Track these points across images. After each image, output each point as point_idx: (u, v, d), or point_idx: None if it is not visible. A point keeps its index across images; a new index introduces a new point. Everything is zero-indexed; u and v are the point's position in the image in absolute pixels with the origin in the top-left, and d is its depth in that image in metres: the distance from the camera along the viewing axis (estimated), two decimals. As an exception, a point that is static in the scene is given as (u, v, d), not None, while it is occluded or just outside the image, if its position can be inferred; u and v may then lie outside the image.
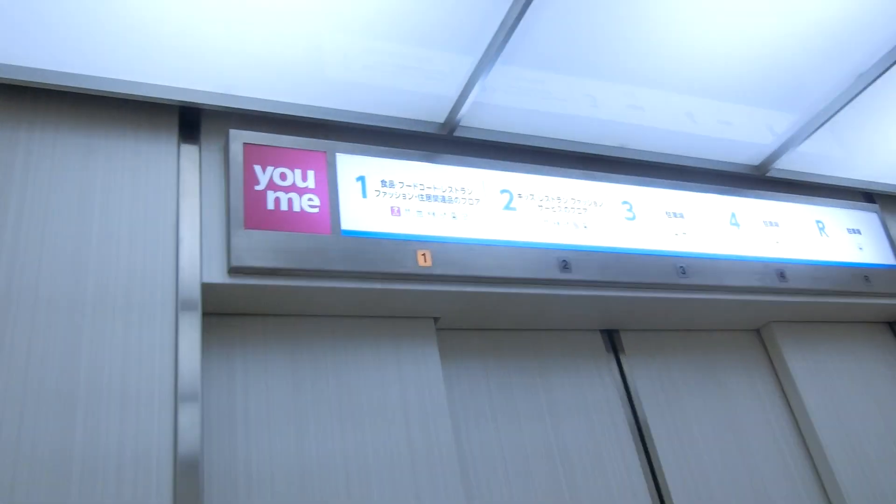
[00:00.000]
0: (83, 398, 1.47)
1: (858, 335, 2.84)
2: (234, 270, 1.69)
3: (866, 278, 2.66)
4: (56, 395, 1.45)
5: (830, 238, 2.69)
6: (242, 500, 1.63)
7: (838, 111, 2.40)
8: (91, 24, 1.63)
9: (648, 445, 2.26)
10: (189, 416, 1.53)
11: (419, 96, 2.05)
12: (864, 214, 2.87)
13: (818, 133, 2.55)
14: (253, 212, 1.75)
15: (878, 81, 2.32)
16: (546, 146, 2.29)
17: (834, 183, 2.87)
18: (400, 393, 1.90)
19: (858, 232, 2.79)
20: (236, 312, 1.82)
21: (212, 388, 1.73)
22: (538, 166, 2.23)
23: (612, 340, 2.44)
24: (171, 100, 1.81)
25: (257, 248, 1.72)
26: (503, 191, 2.12)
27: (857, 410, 2.60)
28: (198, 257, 1.69)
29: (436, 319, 2.07)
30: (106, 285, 1.59)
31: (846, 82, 2.33)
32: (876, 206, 2.94)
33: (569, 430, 2.18)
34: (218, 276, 1.69)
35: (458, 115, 2.06)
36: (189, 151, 1.81)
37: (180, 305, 1.62)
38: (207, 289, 1.69)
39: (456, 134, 2.14)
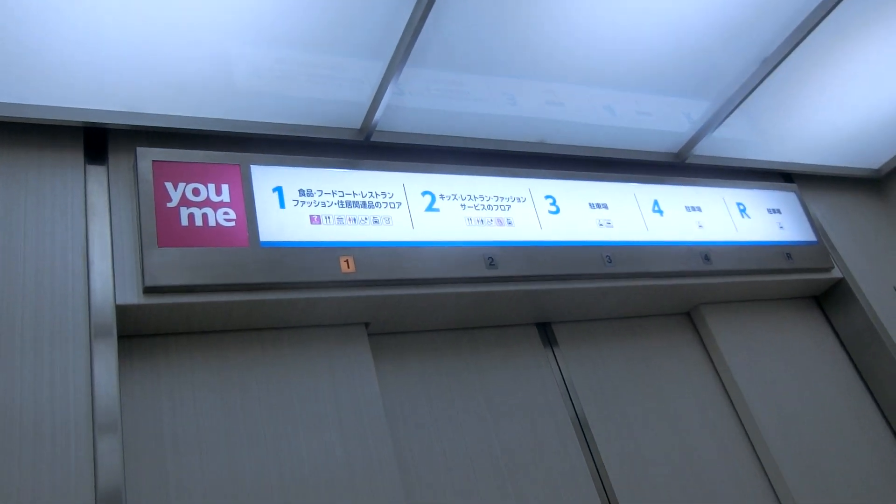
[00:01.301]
0: None
1: (786, 311, 2.92)
2: (148, 290, 1.66)
3: (788, 255, 2.74)
4: (-36, 432, 1.40)
5: (752, 219, 2.77)
6: (174, 527, 1.58)
7: (747, 96, 2.47)
8: (-17, 48, 1.59)
9: (588, 437, 2.28)
10: (109, 446, 1.48)
11: (333, 104, 2.04)
12: (783, 194, 2.95)
13: (733, 118, 2.62)
14: (166, 229, 1.72)
15: (783, 65, 2.39)
16: (466, 146, 2.31)
17: (753, 166, 2.95)
18: (334, 404, 1.88)
19: (779, 211, 2.88)
20: (157, 333, 1.79)
21: (136, 413, 1.68)
22: (459, 166, 2.25)
23: (547, 334, 2.46)
24: (74, 121, 1.77)
25: (172, 265, 1.69)
26: (425, 192, 2.13)
27: (788, 386, 2.67)
28: (110, 279, 1.65)
29: (366, 325, 2.06)
30: (13, 315, 1.55)
31: (752, 67, 2.40)
32: (794, 186, 3.04)
33: (510, 427, 2.18)
34: (132, 296, 1.66)
35: (374, 120, 2.06)
36: (96, 172, 1.78)
37: (94, 330, 1.58)
38: (122, 311, 1.65)
39: (373, 139, 2.14)
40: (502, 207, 2.23)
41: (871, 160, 3.22)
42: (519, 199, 2.28)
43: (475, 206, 2.18)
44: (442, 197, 2.14)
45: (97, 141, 1.83)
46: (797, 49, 2.33)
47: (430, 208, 2.10)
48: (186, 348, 1.81)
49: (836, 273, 2.89)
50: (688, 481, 2.33)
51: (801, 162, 3.06)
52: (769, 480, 2.46)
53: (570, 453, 2.22)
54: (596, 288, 2.29)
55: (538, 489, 2.10)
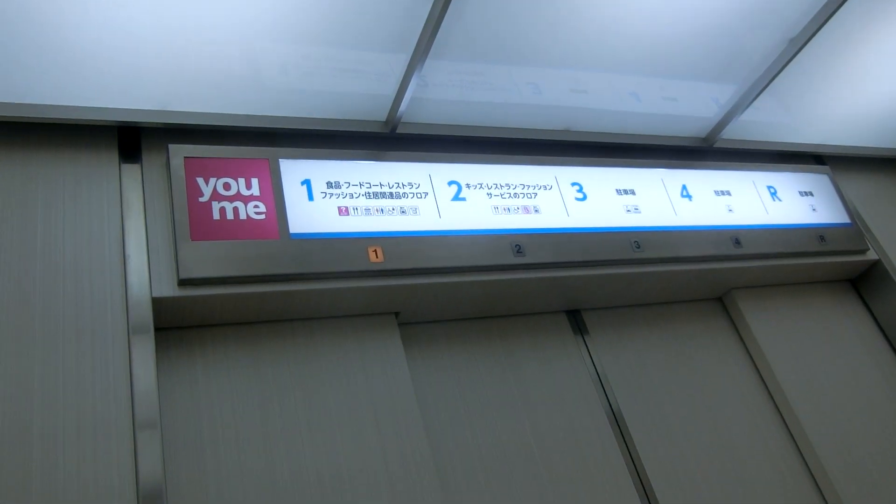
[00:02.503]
0: (37, 434, 1.45)
1: (821, 295, 2.88)
2: (183, 282, 1.70)
3: (822, 238, 2.71)
4: (10, 432, 1.44)
5: (783, 202, 2.74)
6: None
7: (775, 77, 2.44)
8: (19, 50, 1.64)
9: (623, 427, 2.28)
10: (149, 443, 1.51)
11: (358, 97, 2.07)
12: (815, 177, 2.91)
13: (761, 101, 2.59)
14: (198, 223, 1.77)
15: (810, 45, 2.36)
16: (491, 135, 2.32)
17: (783, 149, 2.91)
18: (367, 393, 1.90)
19: (811, 194, 2.84)
20: (192, 325, 1.83)
21: (174, 405, 1.71)
22: (485, 155, 2.26)
23: (577, 321, 2.46)
24: (108, 121, 1.82)
25: (205, 258, 1.73)
26: (451, 182, 2.15)
27: (824, 370, 2.63)
28: (146, 273, 1.70)
29: (397, 314, 2.08)
30: (54, 310, 1.59)
31: (779, 48, 2.38)
32: (827, 168, 2.99)
33: (543, 417, 2.18)
34: (168, 289, 1.70)
35: (399, 113, 2.09)
36: (130, 170, 1.83)
37: (132, 322, 1.63)
38: (158, 303, 1.69)
39: (399, 131, 2.16)
40: (529, 195, 2.24)
41: (906, 140, 3.16)
42: (545, 187, 2.28)
43: (501, 195, 2.19)
44: (468, 186, 2.16)
45: (131, 139, 1.88)
46: (824, 28, 2.29)
47: (456, 198, 2.12)
48: (221, 339, 1.85)
49: (871, 255, 2.84)
50: (725, 469, 2.31)
51: (833, 143, 3.02)
52: (808, 468, 2.43)
53: (604, 443, 2.21)
54: (625, 274, 2.28)
55: (574, 481, 2.09)
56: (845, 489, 2.35)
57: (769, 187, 2.74)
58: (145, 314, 1.65)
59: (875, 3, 2.32)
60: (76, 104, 1.78)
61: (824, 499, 2.38)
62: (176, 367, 1.77)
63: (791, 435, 2.49)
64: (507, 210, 2.17)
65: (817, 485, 2.40)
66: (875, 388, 2.68)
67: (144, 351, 1.61)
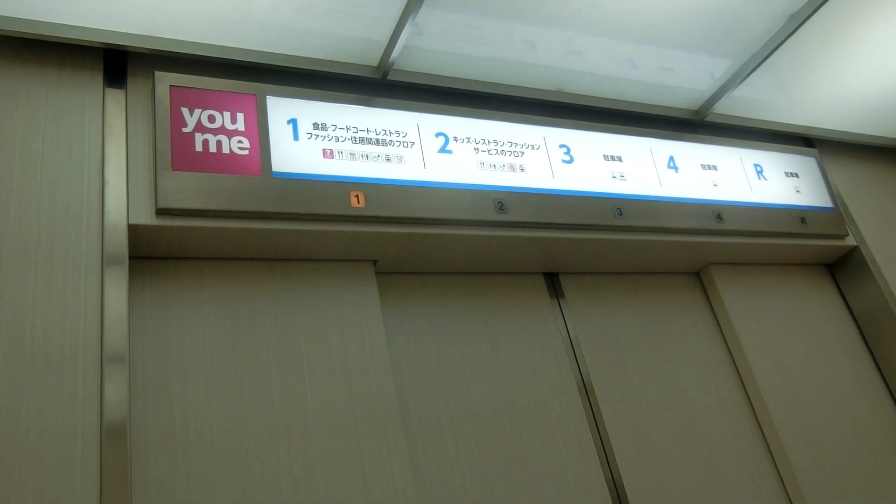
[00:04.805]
0: (1, 360, 1.44)
1: (797, 277, 2.91)
2: (161, 212, 1.69)
3: (803, 220, 2.72)
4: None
5: (768, 181, 2.75)
6: (179, 461, 1.61)
7: (771, 53, 2.43)
8: (6, -37, 1.61)
9: (590, 393, 2.30)
10: (116, 377, 1.50)
11: (351, 40, 2.04)
12: (802, 159, 2.92)
13: (757, 78, 2.59)
14: (180, 154, 1.75)
15: (809, 22, 2.34)
16: (483, 90, 2.30)
17: (773, 128, 2.91)
18: (340, 341, 1.91)
19: (796, 175, 2.85)
20: (169, 256, 1.82)
21: (144, 337, 1.71)
22: (475, 110, 2.25)
23: (554, 284, 2.48)
24: (95, 42, 1.79)
25: (185, 189, 1.72)
26: (438, 134, 2.13)
27: (793, 352, 2.67)
28: (124, 200, 1.68)
29: (374, 262, 2.08)
30: (27, 231, 1.58)
31: (778, 23, 2.36)
32: (815, 151, 3.00)
33: (514, 379, 2.20)
34: (145, 217, 1.69)
35: (391, 59, 2.06)
36: (115, 94, 1.80)
37: (106, 248, 1.62)
38: (135, 231, 1.68)
39: (389, 78, 2.14)
40: (515, 153, 2.23)
41: (896, 129, 3.17)
42: (533, 147, 2.28)
43: (488, 151, 2.18)
44: (455, 139, 2.15)
45: (117, 63, 1.85)
46: (825, 5, 2.28)
47: (442, 150, 2.11)
48: (197, 273, 1.85)
49: (850, 241, 2.86)
50: (687, 443, 2.35)
51: (824, 127, 3.02)
52: (768, 445, 2.48)
53: (571, 408, 2.24)
54: (605, 240, 2.29)
55: (538, 443, 2.12)
56: (803, 467, 2.40)
57: (756, 165, 2.75)
58: (121, 241, 1.64)
59: (878, -14, 2.31)
60: (63, 21, 1.74)
61: (780, 477, 2.43)
62: (148, 297, 1.77)
63: (754, 412, 2.53)
64: (492, 166, 2.16)
65: (775, 462, 2.45)
66: (841, 373, 2.72)
67: (117, 278, 1.60)
